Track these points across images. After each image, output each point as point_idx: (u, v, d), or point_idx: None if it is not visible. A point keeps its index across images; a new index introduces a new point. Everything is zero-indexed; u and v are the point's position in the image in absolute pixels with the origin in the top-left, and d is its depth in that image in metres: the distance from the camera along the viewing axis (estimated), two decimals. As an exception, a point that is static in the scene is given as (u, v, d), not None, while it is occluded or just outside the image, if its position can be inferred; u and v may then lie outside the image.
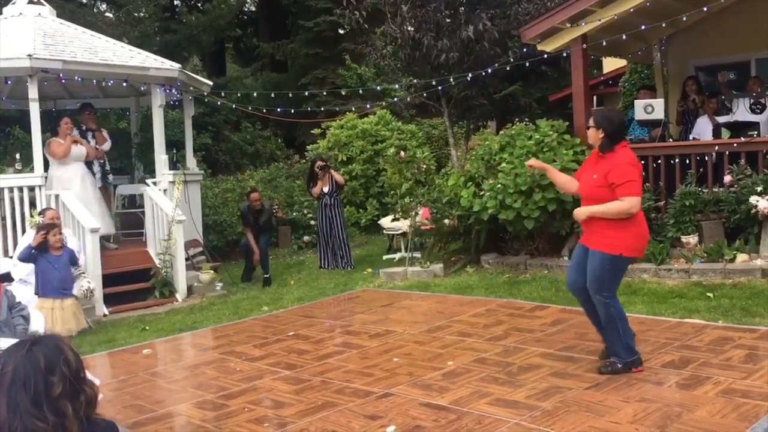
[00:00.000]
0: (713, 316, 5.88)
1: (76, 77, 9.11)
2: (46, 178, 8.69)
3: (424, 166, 10.75)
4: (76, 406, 1.95)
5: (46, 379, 1.92)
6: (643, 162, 8.55)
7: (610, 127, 4.61)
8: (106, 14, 21.15)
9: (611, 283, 4.68)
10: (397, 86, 13.14)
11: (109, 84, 9.80)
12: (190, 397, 4.99)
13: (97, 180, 9.69)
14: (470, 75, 10.13)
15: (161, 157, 9.69)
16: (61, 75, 8.72)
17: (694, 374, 4.53)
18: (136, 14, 20.23)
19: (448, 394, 4.52)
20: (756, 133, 8.29)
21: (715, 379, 4.41)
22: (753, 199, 7.28)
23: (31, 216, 7.83)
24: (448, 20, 11.29)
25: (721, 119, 9.05)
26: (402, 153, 9.73)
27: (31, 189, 8.54)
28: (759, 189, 7.30)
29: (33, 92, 8.45)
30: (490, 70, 10.26)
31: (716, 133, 8.79)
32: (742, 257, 7.21)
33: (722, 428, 3.69)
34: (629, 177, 4.53)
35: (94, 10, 20.87)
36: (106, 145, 10.01)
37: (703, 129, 9.21)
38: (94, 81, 9.50)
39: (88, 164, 9.49)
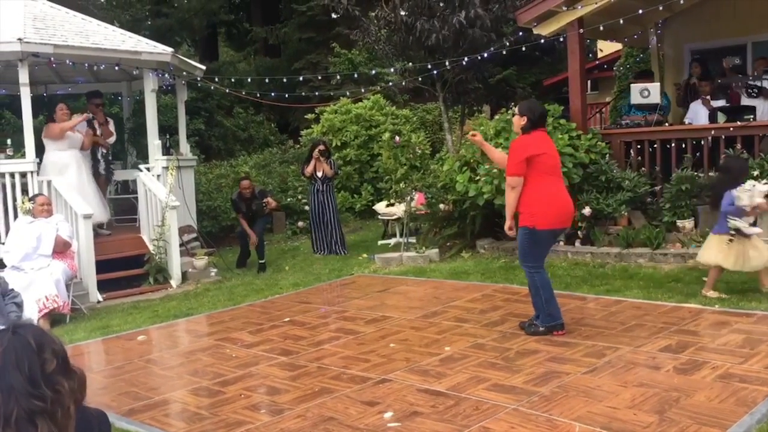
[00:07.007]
0: (710, 300, 5.88)
1: (67, 61, 8.99)
2: (38, 163, 8.60)
3: (419, 151, 10.69)
4: (70, 385, 1.92)
5: (39, 356, 1.89)
6: (639, 146, 8.62)
7: (532, 115, 5.27)
8: (97, -2, 20.88)
9: (534, 254, 5.31)
10: (392, 70, 13.02)
11: (101, 68, 9.69)
12: (186, 383, 4.95)
13: (100, 170, 9.69)
14: (465, 59, 10.06)
15: (154, 143, 9.60)
16: (52, 59, 8.61)
17: (692, 359, 4.53)
18: (126, -2, 20.02)
19: (446, 380, 4.50)
20: (752, 117, 8.27)
21: (712, 364, 4.40)
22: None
23: (23, 202, 7.76)
24: (442, 4, 11.21)
25: (716, 104, 9.02)
26: (397, 138, 9.66)
27: (23, 175, 8.44)
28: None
29: (24, 77, 8.33)
30: (486, 55, 10.19)
31: (712, 117, 8.76)
32: (737, 242, 7.18)
33: (721, 413, 3.68)
34: (510, 159, 5.21)
35: (85, -7, 20.59)
36: (111, 139, 9.93)
37: (695, 113, 9.18)
38: (86, 65, 9.38)
39: (92, 153, 9.51)
